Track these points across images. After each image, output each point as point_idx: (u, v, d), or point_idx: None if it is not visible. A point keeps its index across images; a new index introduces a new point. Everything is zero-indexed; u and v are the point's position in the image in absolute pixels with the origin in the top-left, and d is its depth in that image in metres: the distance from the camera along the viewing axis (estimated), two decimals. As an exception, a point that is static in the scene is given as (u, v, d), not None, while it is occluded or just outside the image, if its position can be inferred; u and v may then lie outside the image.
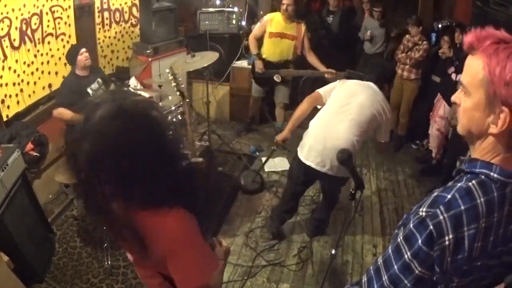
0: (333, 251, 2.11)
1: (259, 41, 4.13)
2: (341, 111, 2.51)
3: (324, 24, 5.13)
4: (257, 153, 4.40)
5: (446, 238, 0.86)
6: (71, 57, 3.20)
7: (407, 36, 4.40)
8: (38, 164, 3.17)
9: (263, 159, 4.23)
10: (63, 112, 3.00)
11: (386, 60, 5.01)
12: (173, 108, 3.33)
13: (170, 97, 3.83)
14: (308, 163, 2.57)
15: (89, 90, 3.27)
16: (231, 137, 4.67)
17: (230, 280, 2.74)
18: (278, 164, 4.13)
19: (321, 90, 2.73)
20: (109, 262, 2.77)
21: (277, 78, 4.09)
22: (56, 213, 3.29)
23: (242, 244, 3.07)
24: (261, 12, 5.11)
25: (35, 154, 3.06)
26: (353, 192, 2.04)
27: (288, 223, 3.30)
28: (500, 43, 0.83)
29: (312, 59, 4.08)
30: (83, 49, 3.15)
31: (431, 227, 0.87)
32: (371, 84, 2.61)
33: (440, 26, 4.49)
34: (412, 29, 4.23)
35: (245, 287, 2.71)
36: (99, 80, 3.37)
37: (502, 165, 0.88)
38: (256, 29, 4.12)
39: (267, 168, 4.01)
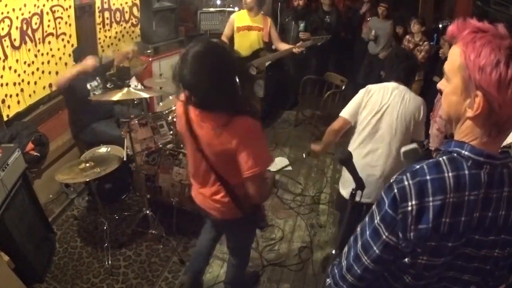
0: (334, 251, 2.10)
1: (231, 41, 4.25)
2: (373, 139, 2.28)
3: (324, 25, 5.13)
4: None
5: (409, 203, 0.90)
6: (80, 54, 3.23)
7: (407, 36, 4.40)
8: (38, 164, 3.17)
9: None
10: (64, 73, 3.12)
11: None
12: (173, 107, 3.32)
13: (170, 97, 3.83)
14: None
15: (88, 86, 3.28)
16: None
17: (230, 280, 2.74)
18: (278, 164, 4.13)
19: (345, 114, 2.39)
20: (110, 262, 2.77)
21: (252, 70, 4.20)
22: (57, 213, 3.30)
23: (242, 244, 3.06)
24: (262, 12, 5.11)
25: (35, 154, 3.06)
26: (353, 192, 2.03)
27: (289, 224, 3.31)
28: (478, 32, 0.87)
29: (280, 45, 4.22)
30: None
31: (395, 190, 0.93)
32: (394, 85, 2.30)
33: (440, 26, 4.49)
34: (414, 26, 4.21)
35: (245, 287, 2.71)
36: (98, 79, 3.39)
37: (476, 145, 0.91)
38: (226, 29, 4.24)
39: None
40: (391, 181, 0.95)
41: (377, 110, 2.27)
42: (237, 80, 1.56)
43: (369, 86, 2.36)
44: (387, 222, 0.94)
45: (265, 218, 2.11)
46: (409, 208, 0.90)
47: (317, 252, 3.01)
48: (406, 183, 0.91)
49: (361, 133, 2.32)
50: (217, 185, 1.81)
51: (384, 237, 0.95)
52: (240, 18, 4.15)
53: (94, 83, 3.36)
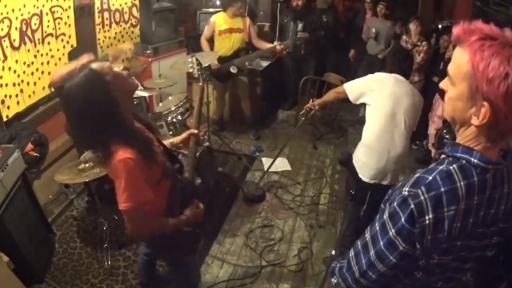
0: (333, 252, 2.11)
1: (211, 42, 4.33)
2: (392, 123, 2.42)
3: (323, 25, 5.13)
4: (257, 154, 4.40)
5: (427, 217, 0.91)
6: (77, 55, 3.19)
7: (404, 37, 4.39)
8: (38, 165, 3.17)
9: (263, 159, 4.24)
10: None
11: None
12: (173, 108, 3.33)
13: (170, 97, 3.84)
14: (373, 181, 2.49)
15: None
16: (231, 138, 4.67)
17: (230, 279, 2.74)
18: (278, 164, 4.12)
19: (348, 88, 2.55)
20: (109, 263, 2.77)
21: (233, 69, 4.28)
22: (56, 214, 3.30)
23: (242, 244, 3.06)
24: (261, 13, 5.11)
25: (35, 154, 3.06)
26: (353, 192, 2.04)
27: (288, 224, 3.31)
28: (486, 40, 0.85)
29: (260, 44, 4.38)
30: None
31: (412, 206, 0.92)
32: (401, 77, 2.51)
33: (440, 26, 4.49)
34: (416, 28, 4.21)
35: (245, 287, 2.71)
36: None
37: (482, 152, 0.92)
38: (206, 31, 4.32)
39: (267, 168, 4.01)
40: (405, 194, 0.94)
41: (393, 95, 2.41)
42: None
43: (380, 74, 2.53)
44: (404, 235, 0.94)
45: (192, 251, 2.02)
46: (427, 222, 0.91)
47: (316, 253, 3.01)
48: (422, 197, 0.91)
49: (380, 118, 2.43)
50: None
51: (401, 248, 0.95)
52: (220, 21, 4.22)
53: None
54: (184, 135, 1.99)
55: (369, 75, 2.55)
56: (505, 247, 1.09)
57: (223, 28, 4.21)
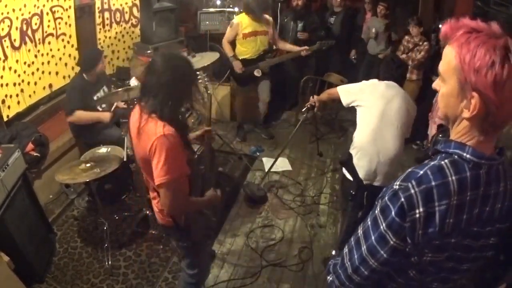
0: (334, 252, 2.11)
1: (232, 44, 4.23)
2: (384, 123, 2.43)
3: (326, 25, 5.12)
4: (258, 154, 4.39)
5: (417, 211, 0.91)
6: (92, 61, 3.17)
7: (406, 37, 4.40)
8: (38, 164, 3.17)
9: (264, 159, 4.24)
10: (82, 115, 3.14)
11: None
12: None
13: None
14: (366, 182, 2.47)
15: (94, 98, 3.26)
16: (231, 138, 4.67)
17: (230, 279, 2.74)
18: (279, 164, 4.12)
19: (341, 91, 2.62)
20: (110, 262, 2.78)
21: (257, 73, 4.20)
22: (57, 213, 3.30)
23: (242, 244, 3.07)
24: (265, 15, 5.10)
25: (35, 154, 3.07)
26: (353, 193, 2.05)
27: (289, 224, 3.31)
28: (472, 33, 0.86)
29: (283, 45, 4.33)
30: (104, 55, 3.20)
31: (403, 199, 0.92)
32: (394, 83, 2.56)
33: (440, 26, 4.49)
34: (413, 29, 4.23)
35: (245, 287, 2.71)
36: (105, 88, 3.37)
37: (475, 147, 0.92)
38: (228, 33, 4.17)
39: (267, 168, 4.01)
40: (395, 188, 0.95)
41: (385, 97, 2.44)
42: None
43: (373, 80, 2.58)
44: (395, 229, 0.94)
45: (210, 239, 2.09)
46: (417, 216, 0.91)
47: (317, 253, 3.01)
48: (412, 191, 0.91)
49: (372, 118, 2.43)
50: (155, 191, 1.83)
51: (392, 242, 0.95)
52: (245, 24, 4.06)
53: (101, 94, 3.33)
54: (199, 132, 2.18)
55: (363, 81, 2.61)
56: (505, 247, 1.09)
57: (248, 31, 4.06)
